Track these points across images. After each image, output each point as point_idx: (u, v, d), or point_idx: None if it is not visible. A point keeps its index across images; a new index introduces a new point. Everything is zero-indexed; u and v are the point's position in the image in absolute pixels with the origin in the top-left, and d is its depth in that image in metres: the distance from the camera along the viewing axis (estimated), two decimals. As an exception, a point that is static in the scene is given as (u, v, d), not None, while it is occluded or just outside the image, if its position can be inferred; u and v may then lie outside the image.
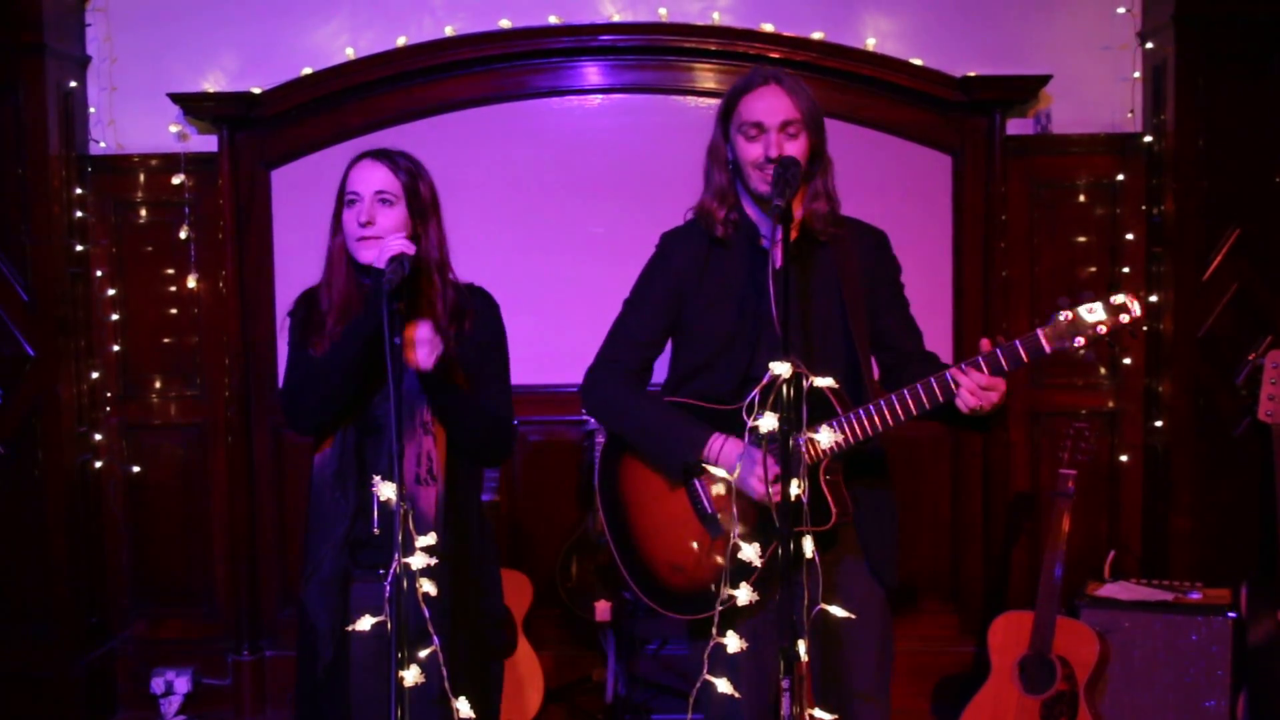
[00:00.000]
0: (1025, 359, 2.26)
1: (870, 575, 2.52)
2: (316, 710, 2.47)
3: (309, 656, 2.46)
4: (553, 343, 4.23)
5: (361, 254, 2.42)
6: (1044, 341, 2.25)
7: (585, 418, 4.03)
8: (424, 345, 2.33)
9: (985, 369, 2.28)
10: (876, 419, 2.35)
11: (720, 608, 2.02)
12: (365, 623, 2.14)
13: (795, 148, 2.40)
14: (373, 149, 2.52)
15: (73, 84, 4.26)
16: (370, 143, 4.18)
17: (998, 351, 2.28)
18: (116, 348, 4.40)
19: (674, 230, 2.63)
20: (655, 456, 2.53)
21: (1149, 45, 4.19)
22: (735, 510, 2.16)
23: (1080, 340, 2.23)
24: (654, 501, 2.56)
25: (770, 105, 2.41)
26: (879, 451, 2.58)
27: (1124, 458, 4.30)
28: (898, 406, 2.35)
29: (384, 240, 2.38)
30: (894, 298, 2.60)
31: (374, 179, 2.45)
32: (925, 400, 2.33)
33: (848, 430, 2.34)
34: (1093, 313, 2.23)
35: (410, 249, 2.35)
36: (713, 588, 2.34)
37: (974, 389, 2.27)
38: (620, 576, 2.64)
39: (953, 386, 2.30)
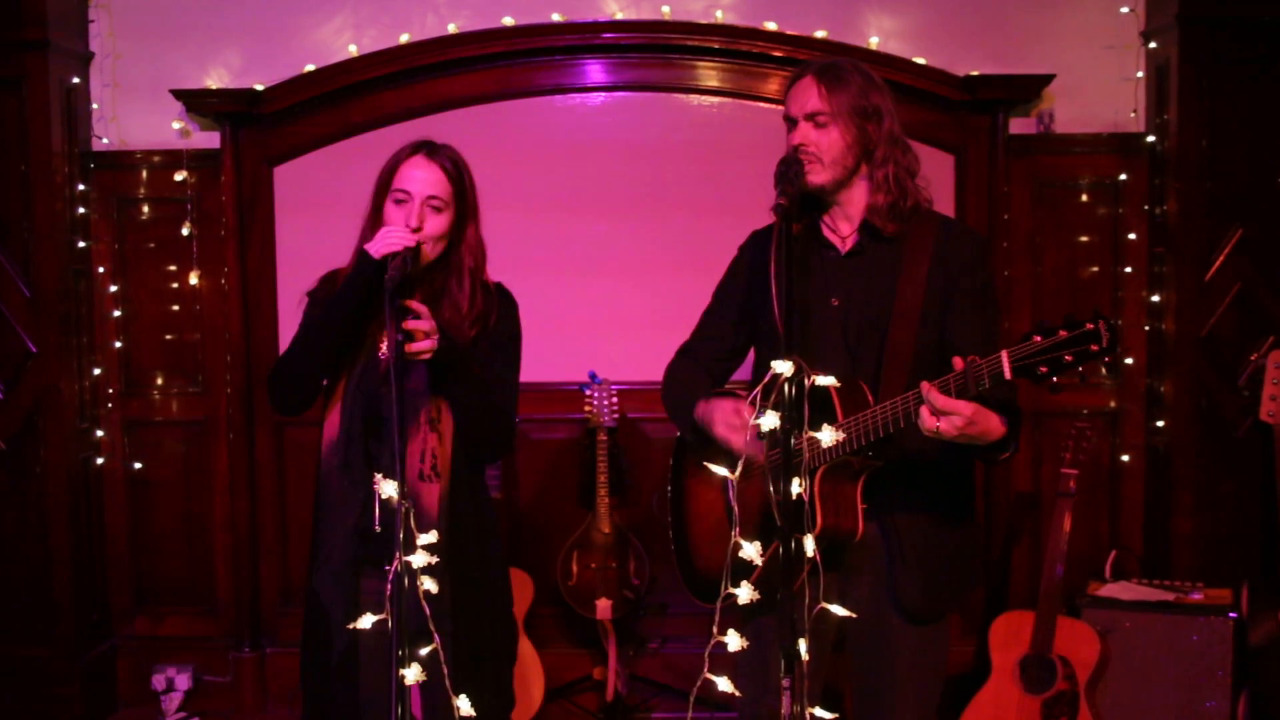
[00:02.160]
0: (987, 383, 2.08)
1: (887, 603, 2.43)
2: (328, 698, 2.47)
3: (321, 645, 2.46)
4: (554, 339, 4.22)
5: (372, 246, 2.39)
6: (1005, 366, 2.06)
7: (586, 416, 4.04)
8: (421, 339, 2.33)
9: (951, 390, 2.12)
10: (860, 428, 2.26)
11: (721, 604, 2.02)
12: (366, 620, 2.14)
13: (823, 139, 2.38)
14: (423, 142, 2.50)
15: (76, 80, 4.26)
16: (372, 141, 4.27)
17: (949, 378, 2.12)
18: (118, 344, 4.40)
19: (761, 228, 2.62)
20: (679, 426, 2.62)
21: (1152, 45, 4.18)
22: (737, 507, 2.16)
23: (1043, 368, 2.05)
24: (702, 489, 2.61)
25: (798, 97, 2.41)
26: (942, 475, 2.44)
27: (1125, 458, 4.30)
28: (878, 420, 2.25)
29: (382, 232, 2.37)
30: (971, 309, 2.41)
31: (427, 181, 2.44)
32: (889, 418, 2.22)
33: (848, 433, 2.28)
34: (1061, 340, 2.04)
35: (410, 241, 2.35)
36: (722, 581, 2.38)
37: (930, 409, 2.11)
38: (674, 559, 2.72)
39: (912, 406, 2.18)
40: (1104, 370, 4.23)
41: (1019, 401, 2.33)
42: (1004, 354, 2.07)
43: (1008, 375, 2.06)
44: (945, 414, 2.11)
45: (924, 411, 2.13)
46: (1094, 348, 2.02)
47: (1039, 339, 2.05)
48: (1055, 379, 2.05)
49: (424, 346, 2.32)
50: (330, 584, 2.43)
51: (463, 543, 2.46)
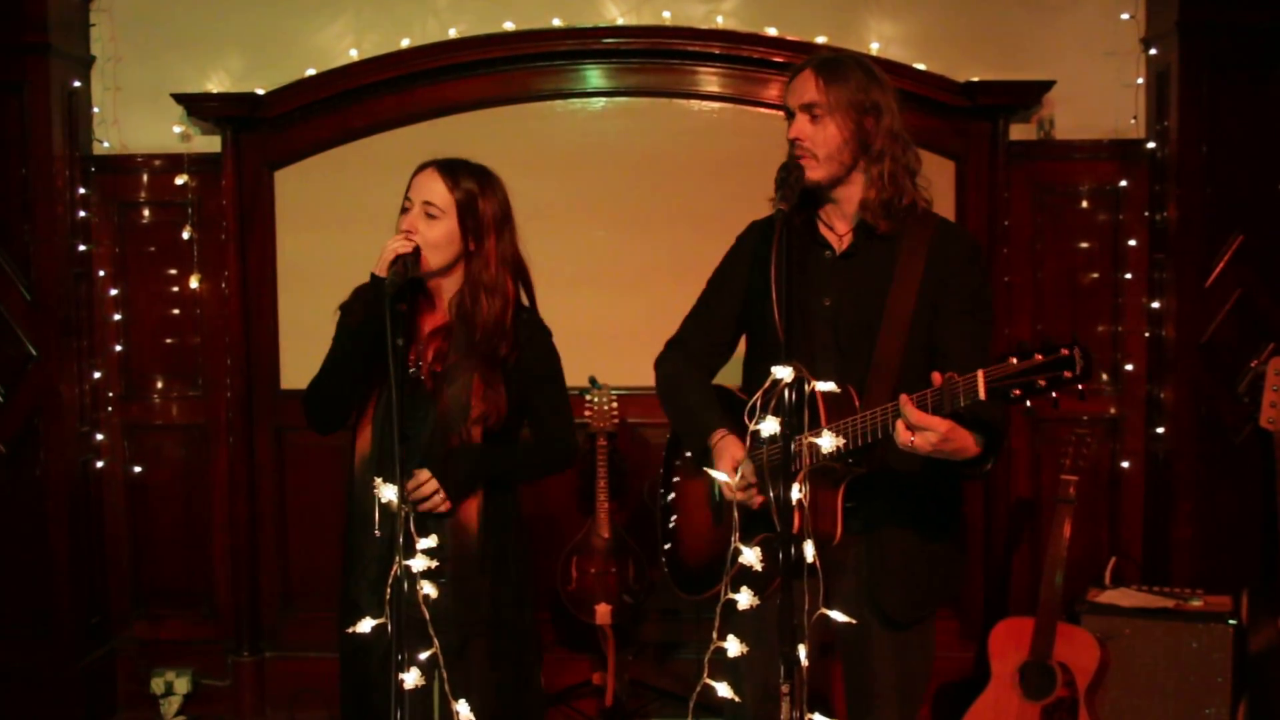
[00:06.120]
0: (962, 402, 2.05)
1: (866, 605, 2.42)
2: (367, 701, 2.51)
3: (360, 650, 2.48)
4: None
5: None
6: (980, 386, 2.03)
7: (586, 421, 4.03)
8: (433, 497, 2.46)
9: (928, 406, 2.10)
10: (844, 434, 2.24)
11: (720, 606, 2.02)
12: (366, 625, 2.16)
13: (818, 133, 2.38)
14: (444, 158, 2.54)
15: (77, 84, 4.26)
16: (373, 145, 4.28)
17: (926, 394, 2.10)
18: (119, 348, 4.40)
19: (761, 218, 2.61)
20: (685, 439, 2.62)
21: (1152, 51, 4.18)
22: (735, 512, 2.15)
23: (1017, 391, 2.00)
24: (692, 485, 2.63)
25: (797, 89, 2.42)
26: (927, 482, 2.41)
27: (1125, 464, 4.29)
28: (860, 427, 2.24)
29: (384, 249, 2.41)
30: (962, 314, 2.40)
31: (427, 190, 2.48)
32: (870, 427, 2.21)
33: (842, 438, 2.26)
34: (1035, 364, 1.98)
35: (408, 248, 2.38)
36: (709, 572, 2.44)
37: (905, 424, 2.10)
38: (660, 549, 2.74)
39: (891, 418, 2.16)
40: (1104, 380, 4.23)
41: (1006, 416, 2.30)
42: (980, 374, 2.04)
43: (982, 396, 2.03)
44: (920, 429, 2.10)
45: (900, 425, 2.12)
46: (1067, 374, 1.97)
47: (1015, 361, 2.01)
48: (1029, 403, 2.01)
49: (433, 506, 2.45)
50: (369, 594, 2.45)
51: (501, 549, 2.54)
